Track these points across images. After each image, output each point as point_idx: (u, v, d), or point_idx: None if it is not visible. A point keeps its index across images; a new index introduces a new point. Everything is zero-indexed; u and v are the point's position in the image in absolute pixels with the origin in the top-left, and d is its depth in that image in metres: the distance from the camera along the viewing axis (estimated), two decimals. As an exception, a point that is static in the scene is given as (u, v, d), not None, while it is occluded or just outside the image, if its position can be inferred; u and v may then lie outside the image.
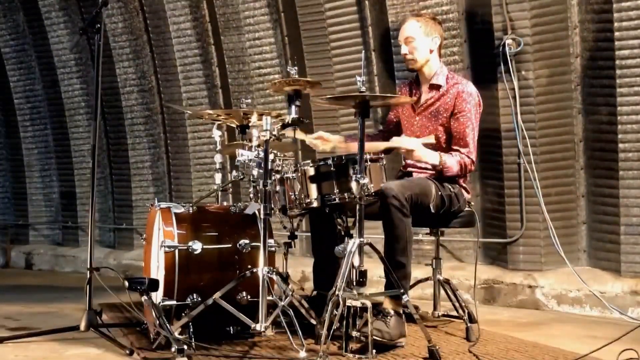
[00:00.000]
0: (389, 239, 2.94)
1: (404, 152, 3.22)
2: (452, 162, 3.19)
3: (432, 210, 3.11)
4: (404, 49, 3.36)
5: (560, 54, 4.01)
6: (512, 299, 4.07)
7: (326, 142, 3.41)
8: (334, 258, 3.26)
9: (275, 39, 5.01)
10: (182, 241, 2.91)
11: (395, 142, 3.20)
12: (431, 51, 3.34)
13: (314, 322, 2.83)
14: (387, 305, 2.87)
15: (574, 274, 3.83)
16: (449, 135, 3.28)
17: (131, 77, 5.67)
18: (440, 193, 3.14)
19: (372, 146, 3.17)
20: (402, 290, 2.77)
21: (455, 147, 3.26)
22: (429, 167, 3.28)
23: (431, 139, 3.23)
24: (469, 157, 3.24)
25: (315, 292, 3.40)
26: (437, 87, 3.33)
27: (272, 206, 2.86)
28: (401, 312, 2.88)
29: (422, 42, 3.33)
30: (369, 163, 2.84)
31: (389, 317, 2.82)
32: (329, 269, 3.27)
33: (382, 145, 3.29)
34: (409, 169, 3.40)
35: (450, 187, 3.21)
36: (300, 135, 3.38)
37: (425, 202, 3.07)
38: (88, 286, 2.92)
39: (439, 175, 3.23)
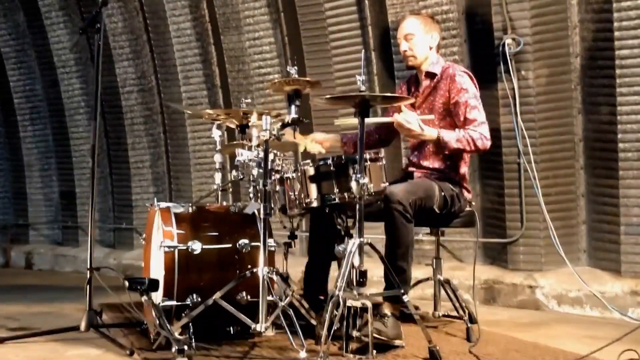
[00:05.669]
0: (391, 243, 2.95)
1: (400, 128, 3.10)
2: (450, 136, 3.11)
3: (437, 211, 3.12)
4: (404, 46, 3.37)
5: (560, 54, 4.00)
6: (512, 299, 4.07)
7: (321, 143, 3.43)
8: (328, 263, 3.28)
9: (275, 39, 5.00)
10: (181, 241, 2.90)
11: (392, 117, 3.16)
12: (430, 48, 3.37)
13: (314, 322, 2.83)
14: (385, 307, 2.87)
15: (574, 274, 3.82)
16: (455, 126, 3.24)
17: (131, 77, 5.67)
18: (443, 194, 3.14)
19: (369, 121, 3.13)
20: (401, 291, 2.77)
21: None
22: (431, 167, 3.29)
23: (430, 116, 3.20)
24: (476, 131, 3.13)
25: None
26: (432, 75, 3.35)
27: (272, 206, 2.86)
28: (398, 315, 2.88)
29: (422, 39, 3.35)
30: (369, 163, 2.84)
31: (386, 318, 2.82)
32: (320, 275, 3.28)
33: (379, 120, 3.27)
34: (410, 169, 3.40)
35: (451, 187, 3.21)
36: (299, 139, 3.38)
37: (429, 205, 3.08)
38: (88, 286, 2.92)
39: (442, 175, 3.23)
